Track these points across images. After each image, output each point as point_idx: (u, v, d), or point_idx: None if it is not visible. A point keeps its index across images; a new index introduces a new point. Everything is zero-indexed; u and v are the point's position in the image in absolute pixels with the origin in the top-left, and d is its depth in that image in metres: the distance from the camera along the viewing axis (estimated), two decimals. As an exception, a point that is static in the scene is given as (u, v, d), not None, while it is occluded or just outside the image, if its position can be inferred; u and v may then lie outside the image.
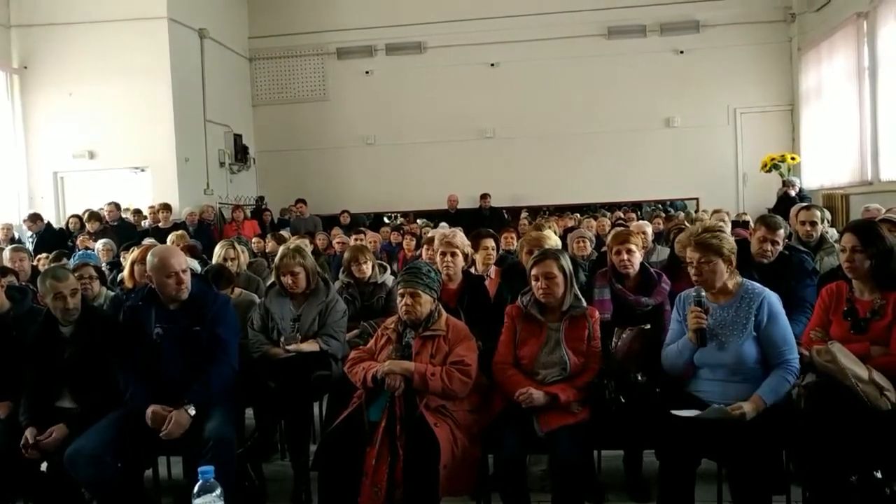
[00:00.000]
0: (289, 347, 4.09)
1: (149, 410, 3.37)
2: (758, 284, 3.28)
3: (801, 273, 4.17)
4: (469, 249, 4.61)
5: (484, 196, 13.20)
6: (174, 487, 4.05)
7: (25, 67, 11.64)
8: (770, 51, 13.20)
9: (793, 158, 11.70)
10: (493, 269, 5.08)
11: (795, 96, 13.08)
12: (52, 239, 9.91)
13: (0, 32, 11.36)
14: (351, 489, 3.17)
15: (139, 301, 3.65)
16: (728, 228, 6.16)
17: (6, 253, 6.36)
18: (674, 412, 3.05)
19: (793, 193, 10.52)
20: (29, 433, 3.42)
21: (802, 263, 4.26)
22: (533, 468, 3.85)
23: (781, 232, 4.25)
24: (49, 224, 10.52)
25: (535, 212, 12.62)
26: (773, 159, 11.60)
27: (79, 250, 7.90)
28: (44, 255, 7.36)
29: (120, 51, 11.26)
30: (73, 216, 10.67)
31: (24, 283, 5.04)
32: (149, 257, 3.66)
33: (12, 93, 11.60)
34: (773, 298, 3.21)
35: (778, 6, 13.10)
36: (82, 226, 10.24)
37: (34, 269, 6.41)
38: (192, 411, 3.36)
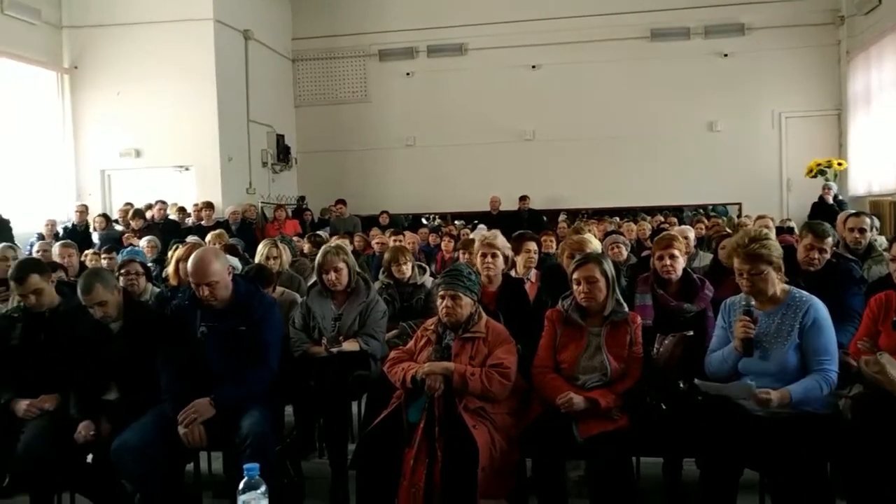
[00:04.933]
0: (331, 349, 4.12)
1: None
2: (805, 292, 3.22)
3: (848, 281, 4.08)
4: (509, 252, 4.59)
5: (523, 198, 13.13)
6: (214, 482, 4.12)
7: (76, 67, 11.90)
8: (817, 54, 12.92)
9: (839, 164, 11.46)
10: (533, 273, 5.07)
11: (843, 101, 12.78)
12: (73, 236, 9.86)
13: (52, 33, 11.62)
14: (389, 489, 3.19)
15: (186, 300, 3.69)
16: (773, 234, 6.06)
17: (55, 248, 6.49)
18: (697, 382, 3.06)
19: (829, 199, 10.28)
20: (84, 427, 3.48)
21: (850, 272, 4.17)
22: (571, 473, 3.82)
23: (829, 240, 4.18)
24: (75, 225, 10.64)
25: (574, 215, 12.52)
26: (818, 165, 11.37)
27: (125, 246, 8.09)
28: (90, 251, 7.50)
29: (167, 51, 11.48)
30: (98, 215, 10.83)
31: (73, 279, 5.15)
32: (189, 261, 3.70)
33: (63, 92, 11.88)
34: (820, 306, 3.15)
35: (826, 9, 12.82)
36: (107, 224, 10.48)
37: (82, 264, 6.55)
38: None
